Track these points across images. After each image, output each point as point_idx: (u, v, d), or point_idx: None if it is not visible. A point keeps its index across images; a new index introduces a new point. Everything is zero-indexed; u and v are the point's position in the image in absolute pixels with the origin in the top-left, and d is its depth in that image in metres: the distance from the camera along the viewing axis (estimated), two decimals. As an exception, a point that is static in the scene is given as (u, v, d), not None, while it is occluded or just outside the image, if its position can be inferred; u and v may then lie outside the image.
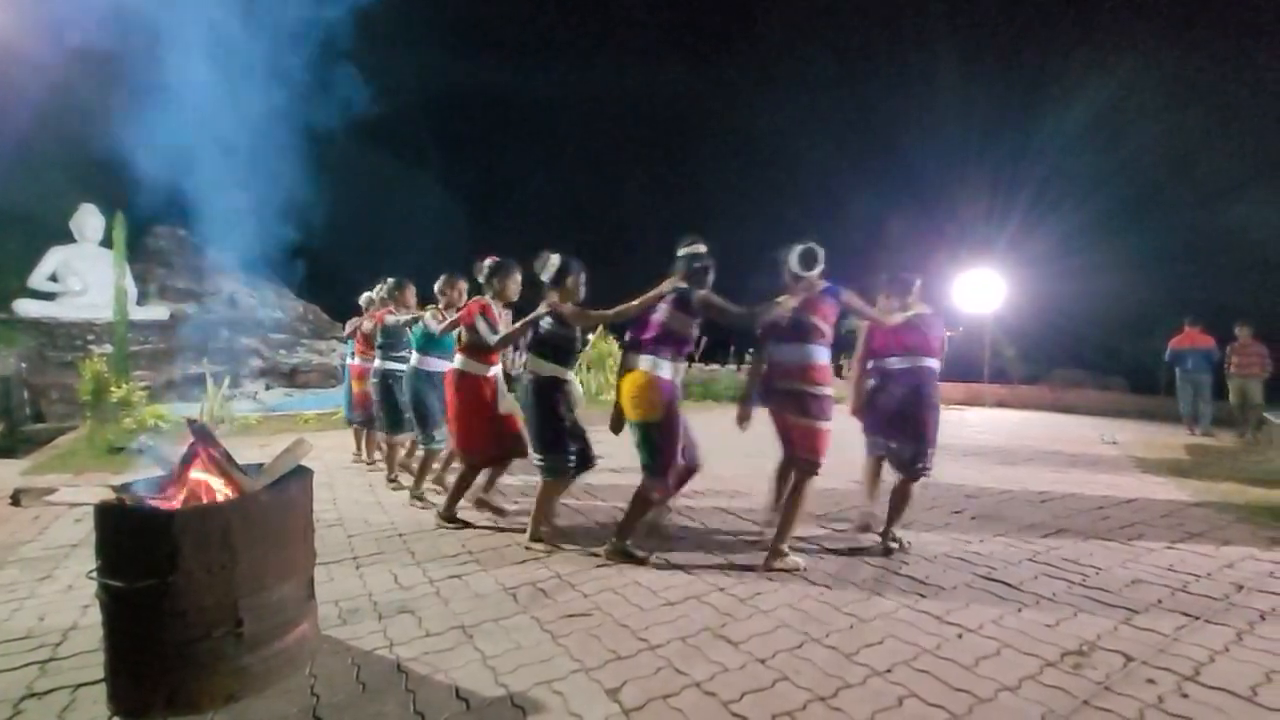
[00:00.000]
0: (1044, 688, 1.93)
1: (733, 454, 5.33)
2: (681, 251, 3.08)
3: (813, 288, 3.03)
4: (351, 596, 2.64)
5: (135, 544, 1.77)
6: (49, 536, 3.44)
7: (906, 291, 3.33)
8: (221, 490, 2.03)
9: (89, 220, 11.52)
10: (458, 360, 3.63)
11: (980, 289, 11.70)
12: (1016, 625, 2.37)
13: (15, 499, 4.04)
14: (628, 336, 3.11)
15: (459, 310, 3.82)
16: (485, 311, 3.56)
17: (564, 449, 3.17)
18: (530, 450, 3.28)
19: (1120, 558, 3.14)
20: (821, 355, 3.01)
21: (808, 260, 3.03)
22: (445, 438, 4.16)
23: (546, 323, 3.19)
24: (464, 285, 4.22)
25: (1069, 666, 2.06)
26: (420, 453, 4.45)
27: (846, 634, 2.30)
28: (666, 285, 2.99)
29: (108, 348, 9.94)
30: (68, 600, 2.59)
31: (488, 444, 3.59)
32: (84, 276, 11.11)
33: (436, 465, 4.46)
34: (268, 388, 12.80)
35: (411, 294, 4.74)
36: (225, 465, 2.07)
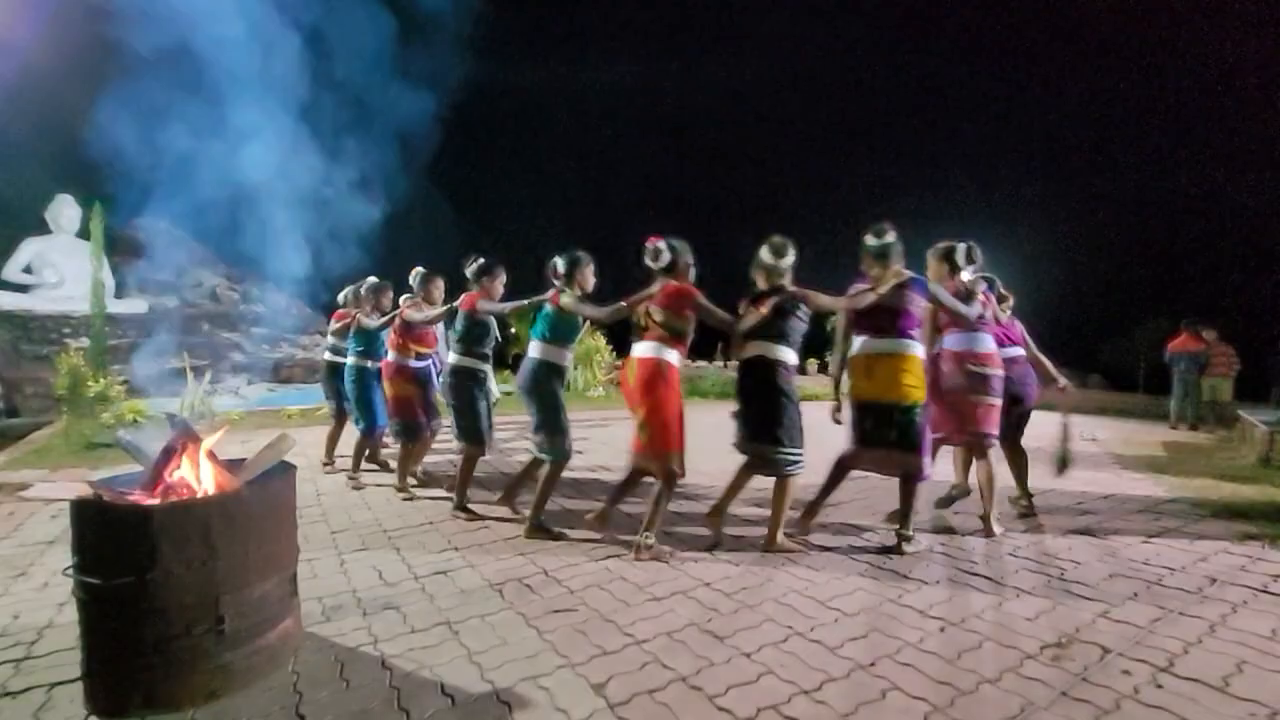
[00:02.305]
0: (1024, 679, 1.96)
1: (720, 450, 5.33)
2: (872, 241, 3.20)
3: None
4: (335, 593, 2.62)
5: (113, 540, 1.74)
6: (24, 533, 3.38)
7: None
8: (202, 486, 2.00)
9: (65, 211, 11.29)
10: (667, 353, 3.10)
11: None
12: (997, 619, 2.40)
13: (-12, 495, 3.96)
14: (878, 323, 3.13)
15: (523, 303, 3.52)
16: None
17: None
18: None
19: (1098, 552, 3.20)
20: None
21: (971, 256, 3.42)
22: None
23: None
24: (440, 283, 4.32)
25: (1048, 659, 2.10)
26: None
27: (831, 628, 2.32)
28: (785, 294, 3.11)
29: (85, 341, 9.76)
30: (43, 598, 2.55)
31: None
32: (60, 268, 10.89)
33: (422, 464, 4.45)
34: (250, 383, 12.63)
35: (438, 288, 4.33)
36: (206, 461, 2.04)
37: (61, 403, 7.03)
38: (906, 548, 3.14)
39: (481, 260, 3.80)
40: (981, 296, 3.45)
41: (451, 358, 3.77)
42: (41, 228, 11.19)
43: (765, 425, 3.10)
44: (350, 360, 4.67)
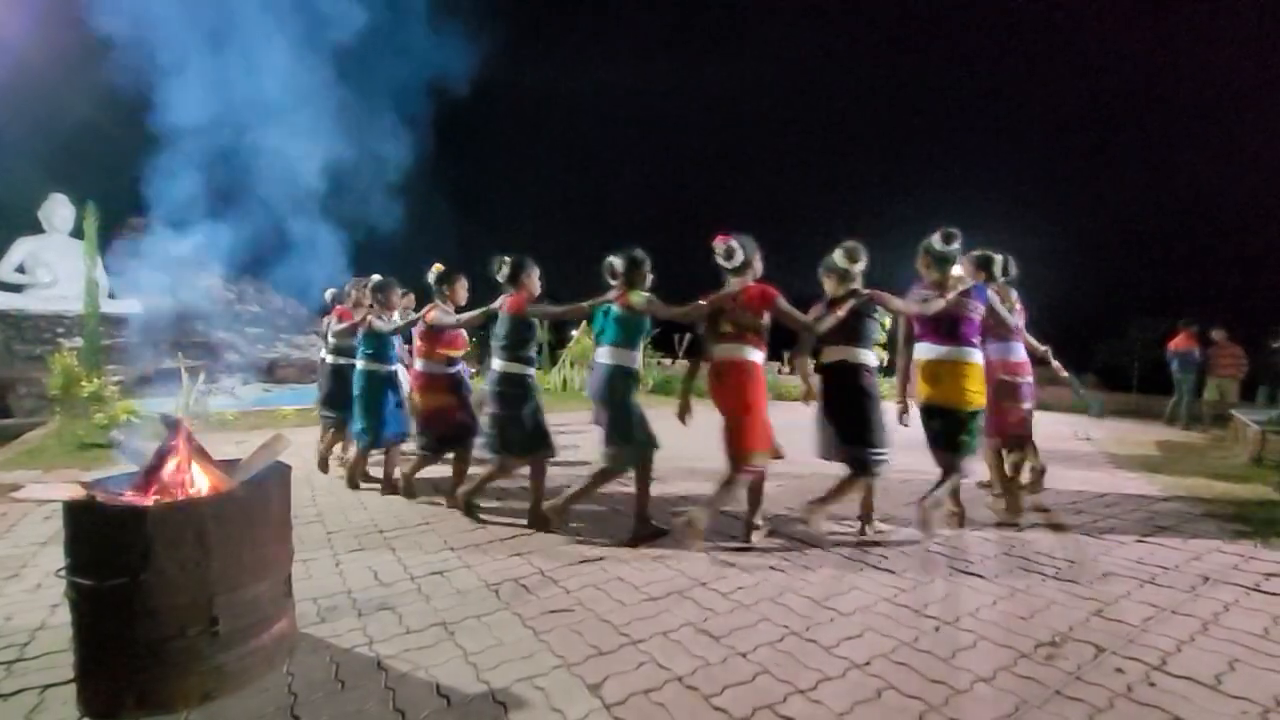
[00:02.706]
0: (1018, 678, 1.97)
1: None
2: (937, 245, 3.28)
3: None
4: (330, 593, 2.61)
5: (106, 541, 1.73)
6: (16, 534, 3.36)
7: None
8: (196, 486, 1.99)
9: (59, 210, 11.24)
10: (753, 353, 3.10)
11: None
12: (992, 617, 2.41)
13: (-19, 496, 3.93)
14: (941, 330, 3.26)
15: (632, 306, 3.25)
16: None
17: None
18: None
19: (1092, 551, 3.21)
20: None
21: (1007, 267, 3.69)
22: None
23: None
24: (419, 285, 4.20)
25: (1042, 657, 2.10)
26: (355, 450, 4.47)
27: (827, 627, 2.32)
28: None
29: (78, 341, 9.71)
30: (36, 599, 2.53)
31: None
32: (53, 268, 10.84)
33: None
34: (245, 383, 12.58)
35: (463, 287, 4.03)
36: (200, 461, 2.04)
37: (55, 403, 6.99)
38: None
39: (513, 259, 3.54)
40: (1019, 306, 3.60)
41: (496, 364, 3.50)
42: (35, 227, 11.13)
43: (857, 429, 3.16)
44: (360, 364, 4.32)
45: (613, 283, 3.33)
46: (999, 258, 3.62)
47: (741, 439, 3.05)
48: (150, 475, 1.98)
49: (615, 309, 3.27)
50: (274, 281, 14.54)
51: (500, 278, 3.58)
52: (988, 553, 3.18)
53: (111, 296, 11.36)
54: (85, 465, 5.00)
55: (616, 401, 3.22)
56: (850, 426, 3.17)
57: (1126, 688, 1.92)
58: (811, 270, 3.41)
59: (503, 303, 3.55)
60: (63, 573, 1.76)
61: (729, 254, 3.10)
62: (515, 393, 3.45)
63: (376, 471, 4.56)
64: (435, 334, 3.90)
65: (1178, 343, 8.87)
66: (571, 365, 10.93)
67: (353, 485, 4.39)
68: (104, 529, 1.74)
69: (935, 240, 3.30)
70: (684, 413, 3.34)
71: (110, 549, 1.72)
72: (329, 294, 5.31)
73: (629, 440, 3.21)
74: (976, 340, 3.30)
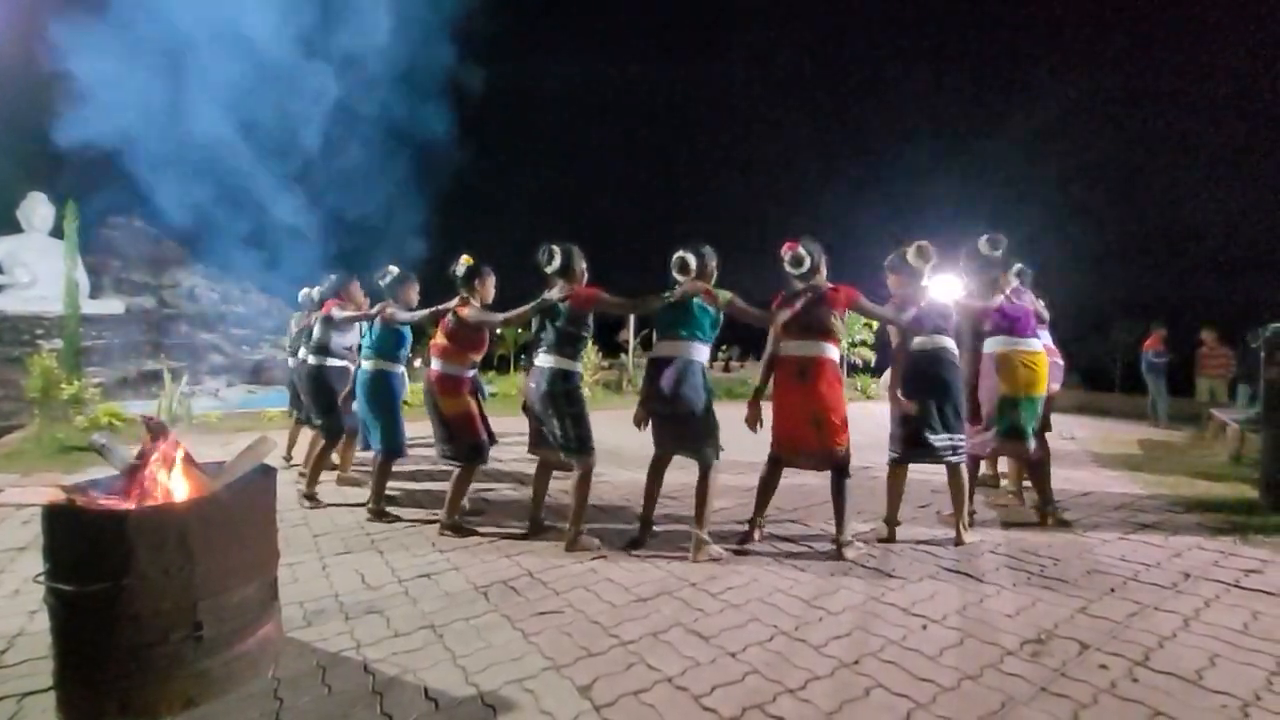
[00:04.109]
0: (1005, 675, 1.99)
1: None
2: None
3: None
4: (317, 597, 2.59)
5: (87, 546, 1.70)
6: (-7, 539, 3.29)
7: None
8: (179, 490, 1.97)
9: (38, 209, 11.05)
10: (832, 350, 3.17)
11: (941, 288, 11.98)
12: (979, 615, 2.44)
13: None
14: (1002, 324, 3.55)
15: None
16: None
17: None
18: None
19: (1077, 549, 3.25)
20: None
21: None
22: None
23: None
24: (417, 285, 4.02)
25: (1028, 654, 2.13)
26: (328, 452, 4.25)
27: (816, 626, 2.33)
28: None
29: (58, 342, 9.55)
30: (14, 606, 2.48)
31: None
32: (32, 268, 10.65)
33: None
34: (229, 384, 12.44)
35: (492, 284, 3.68)
36: (183, 464, 2.01)
37: (34, 405, 6.87)
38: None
39: (563, 248, 3.24)
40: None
41: (547, 361, 3.20)
42: (13, 226, 10.93)
43: (960, 416, 3.36)
44: (369, 365, 3.89)
45: (680, 278, 3.20)
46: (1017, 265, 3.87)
47: (834, 434, 3.09)
48: (132, 479, 1.94)
49: (700, 302, 3.16)
50: (258, 281, 14.40)
51: (549, 269, 3.25)
52: (974, 551, 3.21)
53: (92, 297, 11.18)
54: (65, 469, 4.91)
55: (700, 397, 3.11)
56: (956, 414, 3.33)
57: (1110, 684, 1.94)
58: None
59: (564, 294, 3.22)
60: (42, 578, 1.72)
61: (797, 261, 3.14)
62: (573, 391, 3.22)
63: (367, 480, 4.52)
64: (466, 333, 3.52)
65: (1148, 344, 9.25)
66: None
67: (380, 515, 3.77)
68: (84, 533, 1.71)
69: (982, 244, 3.58)
70: (754, 420, 3.22)
71: (91, 554, 1.69)
72: (316, 291, 4.87)
73: (714, 435, 3.14)
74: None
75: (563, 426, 3.17)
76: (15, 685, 1.91)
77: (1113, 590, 2.70)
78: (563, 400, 3.16)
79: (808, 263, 3.14)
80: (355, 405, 4.16)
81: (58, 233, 10.43)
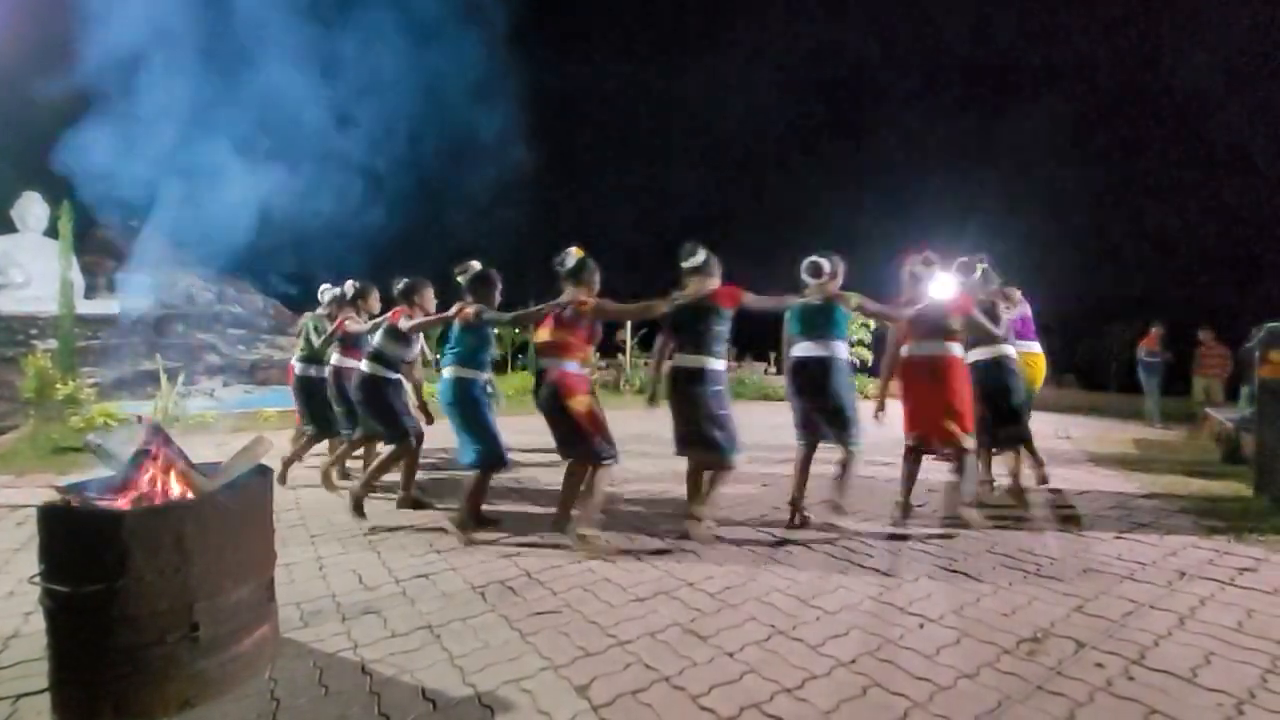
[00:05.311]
0: (1001, 674, 2.00)
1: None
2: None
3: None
4: (314, 598, 2.58)
5: (82, 547, 1.70)
6: (-12, 541, 3.28)
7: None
8: (175, 490, 1.96)
9: (32, 209, 11.00)
10: (957, 349, 3.66)
11: (938, 289, 12.02)
12: (975, 614, 2.44)
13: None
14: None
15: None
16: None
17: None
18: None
19: (1073, 548, 3.26)
20: None
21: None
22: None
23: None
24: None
25: (1024, 653, 2.13)
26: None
27: (813, 626, 2.34)
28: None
29: (53, 343, 9.51)
30: (9, 607, 2.47)
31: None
32: (26, 268, 10.60)
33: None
34: (225, 385, 12.40)
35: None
36: (179, 464, 2.00)
37: (29, 406, 6.84)
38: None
39: (703, 244, 3.31)
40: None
41: (688, 360, 3.23)
42: (7, 226, 10.88)
43: (1015, 414, 3.95)
44: (449, 372, 3.42)
45: (811, 281, 3.54)
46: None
47: (963, 423, 3.51)
48: (128, 479, 1.94)
49: (824, 304, 3.51)
50: (255, 281, 14.35)
51: (689, 265, 3.31)
52: (971, 550, 3.22)
53: (87, 297, 11.14)
54: (60, 469, 4.89)
55: (840, 391, 3.45)
56: (1010, 413, 3.94)
57: (1106, 682, 1.95)
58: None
59: (707, 292, 3.26)
60: (37, 579, 1.72)
61: (927, 265, 3.67)
62: (724, 389, 3.29)
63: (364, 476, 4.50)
64: (588, 327, 3.35)
65: (1145, 343, 9.33)
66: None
67: (415, 503, 3.93)
68: (80, 534, 1.71)
69: (981, 265, 4.10)
70: (879, 411, 3.77)
71: (86, 555, 1.69)
72: (339, 291, 4.65)
73: (858, 424, 3.46)
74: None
75: (712, 424, 3.24)
76: (10, 687, 1.90)
77: (1108, 589, 2.70)
78: (723, 397, 3.33)
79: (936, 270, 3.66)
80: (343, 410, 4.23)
81: (52, 232, 10.39)
